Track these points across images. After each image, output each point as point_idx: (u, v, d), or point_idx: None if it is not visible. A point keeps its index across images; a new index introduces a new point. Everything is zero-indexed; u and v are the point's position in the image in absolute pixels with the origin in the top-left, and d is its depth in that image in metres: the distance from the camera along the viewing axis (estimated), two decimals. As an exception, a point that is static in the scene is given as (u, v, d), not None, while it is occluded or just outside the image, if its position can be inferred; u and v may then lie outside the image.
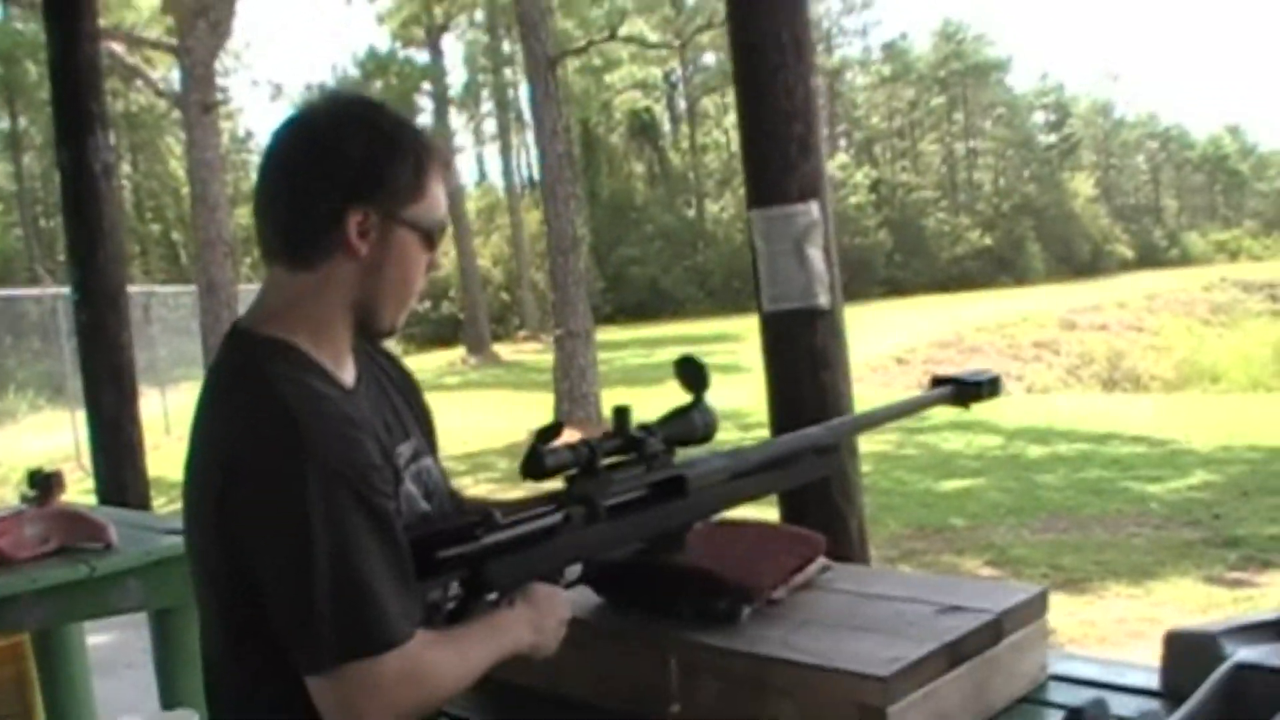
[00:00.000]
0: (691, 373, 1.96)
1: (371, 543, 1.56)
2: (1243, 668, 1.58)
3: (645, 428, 1.88)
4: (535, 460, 1.72)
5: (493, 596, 1.74)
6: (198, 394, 1.70)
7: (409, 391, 2.00)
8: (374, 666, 1.53)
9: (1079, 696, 1.71)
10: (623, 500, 1.85)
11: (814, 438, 2.24)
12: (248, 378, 1.64)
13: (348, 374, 1.77)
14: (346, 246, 1.67)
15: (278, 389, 1.59)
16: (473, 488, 11.56)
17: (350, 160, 1.67)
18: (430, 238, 1.76)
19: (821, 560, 2.12)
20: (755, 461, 2.07)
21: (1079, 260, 61.74)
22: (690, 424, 1.95)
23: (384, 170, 1.68)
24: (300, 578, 1.52)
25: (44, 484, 3.75)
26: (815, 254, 3.44)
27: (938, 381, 2.48)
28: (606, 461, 1.82)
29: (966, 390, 2.43)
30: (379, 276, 1.71)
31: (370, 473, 1.60)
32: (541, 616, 1.77)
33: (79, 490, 8.69)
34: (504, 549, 1.71)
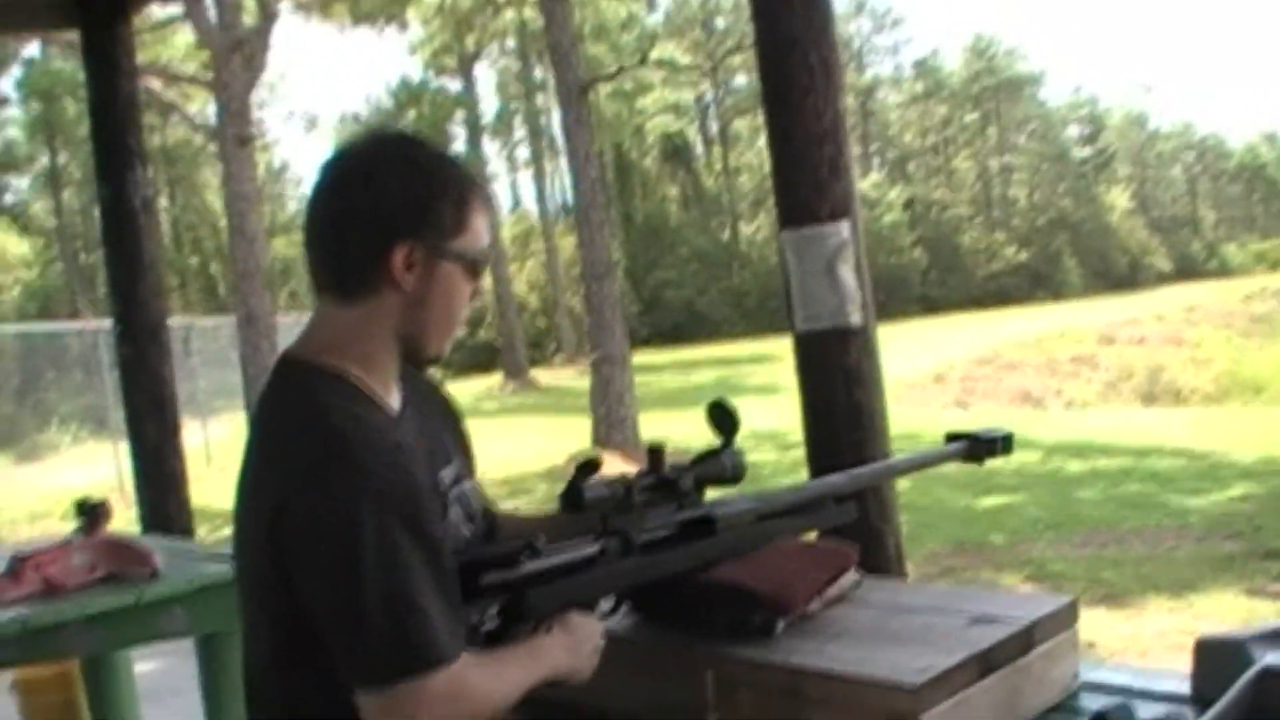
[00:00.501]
0: (722, 417, 2.04)
1: (421, 565, 1.60)
2: (1270, 673, 1.60)
3: (678, 468, 1.94)
4: (574, 495, 1.79)
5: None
6: (250, 420, 1.78)
7: (449, 416, 2.05)
8: (423, 684, 1.57)
9: (1104, 705, 1.73)
10: (655, 537, 1.91)
11: (836, 486, 2.30)
12: (301, 406, 1.69)
13: (394, 400, 1.82)
14: (392, 280, 1.72)
15: (332, 419, 1.64)
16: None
17: (393, 196, 1.72)
18: (474, 268, 1.80)
19: (854, 573, 2.15)
20: (780, 505, 2.13)
21: (1116, 274, 61.36)
22: (720, 466, 2.02)
23: (427, 205, 1.73)
24: (353, 598, 1.56)
25: (91, 513, 3.81)
26: (847, 273, 3.46)
27: (953, 438, 2.53)
28: (643, 498, 1.90)
29: (981, 446, 2.48)
30: (425, 308, 1.75)
31: (420, 498, 1.64)
32: (578, 643, 1.81)
33: (123, 520, 8.76)
34: (543, 577, 1.78)
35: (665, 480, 1.94)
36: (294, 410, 1.71)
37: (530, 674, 1.74)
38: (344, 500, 1.56)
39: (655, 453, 1.97)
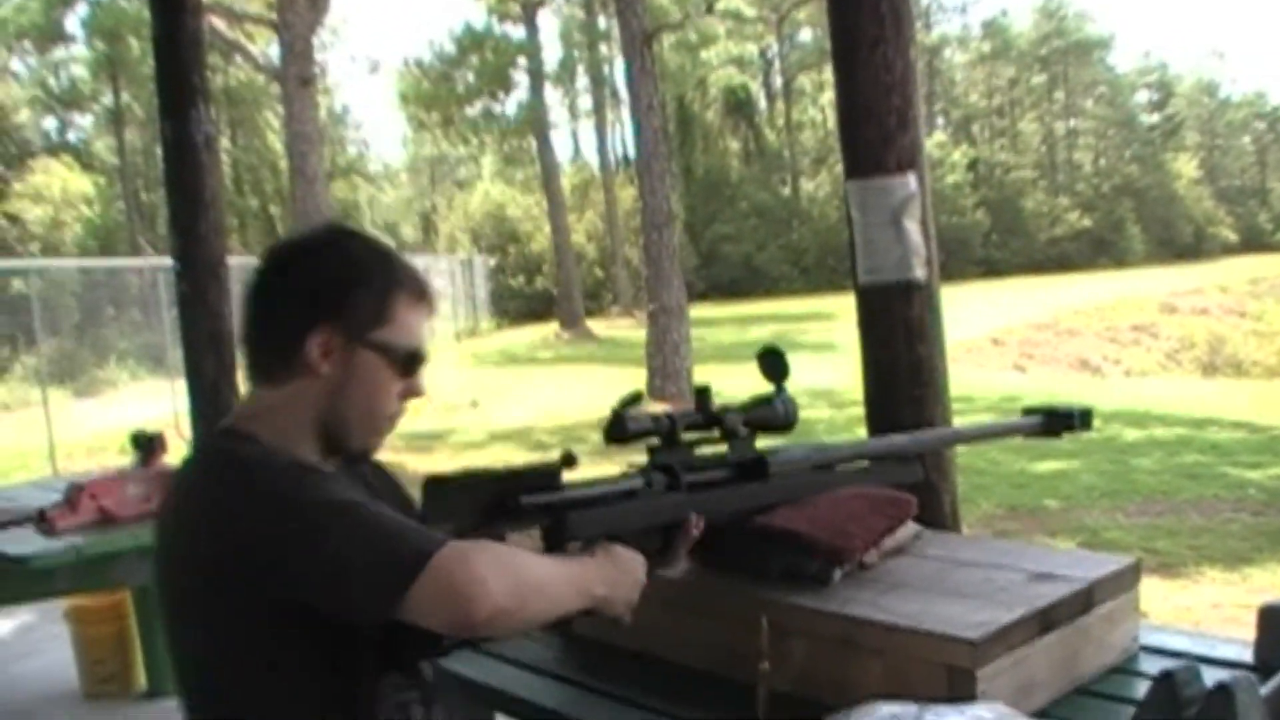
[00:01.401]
0: (773, 363, 2.02)
1: (372, 509, 1.62)
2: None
3: (725, 408, 1.92)
4: (618, 424, 1.79)
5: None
6: (172, 489, 1.78)
7: (390, 494, 1.98)
8: (440, 555, 1.54)
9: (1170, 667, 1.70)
10: (705, 478, 1.89)
11: (899, 446, 2.28)
12: (224, 464, 1.69)
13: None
14: (309, 366, 1.73)
15: (256, 461, 1.67)
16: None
17: (314, 281, 1.75)
18: (399, 363, 1.78)
19: (913, 526, 2.13)
20: (837, 457, 2.11)
21: (1180, 243, 60.69)
22: (773, 411, 2.01)
23: (347, 293, 1.74)
24: (333, 551, 1.56)
25: (147, 445, 3.84)
26: (912, 226, 3.41)
27: (1030, 411, 2.50)
28: (690, 437, 1.88)
29: (1058, 421, 2.45)
30: (343, 397, 1.75)
31: (343, 489, 1.67)
32: (617, 573, 1.78)
33: (179, 456, 8.85)
34: (586, 503, 1.77)
35: (711, 417, 1.92)
36: (217, 469, 1.71)
37: (567, 574, 1.71)
38: (278, 498, 1.59)
39: (701, 393, 1.96)
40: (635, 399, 1.83)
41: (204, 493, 1.67)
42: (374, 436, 1.81)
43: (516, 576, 1.58)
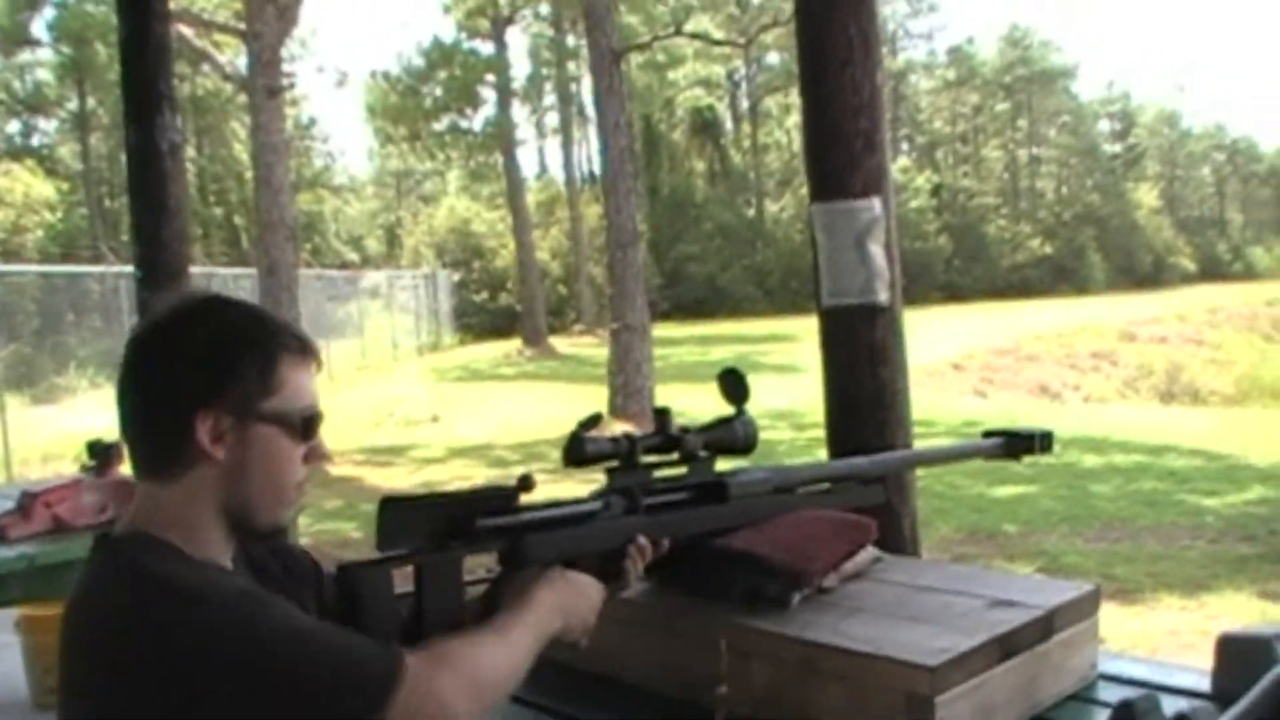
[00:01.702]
0: (733, 385, 2.01)
1: (311, 623, 1.55)
2: (1296, 671, 1.57)
3: (685, 429, 1.91)
4: (577, 446, 1.78)
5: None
6: (69, 602, 1.60)
7: (302, 578, 1.86)
8: (402, 680, 1.50)
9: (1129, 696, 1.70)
10: (663, 500, 1.89)
11: (860, 468, 2.28)
12: (120, 572, 1.55)
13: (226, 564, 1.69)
14: (202, 454, 1.60)
15: (153, 570, 1.53)
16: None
17: (190, 363, 1.61)
18: (297, 430, 1.67)
19: (873, 551, 2.13)
20: (798, 479, 2.11)
21: (1140, 271, 61.29)
22: (732, 432, 2.00)
23: (226, 368, 1.61)
24: (286, 674, 1.47)
25: (103, 454, 3.80)
26: (876, 250, 3.42)
27: (990, 434, 2.51)
28: (649, 460, 1.87)
29: (1018, 443, 2.46)
30: (244, 479, 1.63)
31: (275, 601, 1.56)
32: (571, 600, 1.76)
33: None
34: (544, 525, 1.76)
35: (671, 439, 1.92)
36: (114, 579, 1.56)
37: (524, 640, 1.67)
38: (216, 625, 1.46)
39: (661, 413, 1.96)
40: (595, 420, 1.82)
41: (136, 627, 1.48)
42: (283, 510, 1.69)
43: (478, 684, 1.56)
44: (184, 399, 1.59)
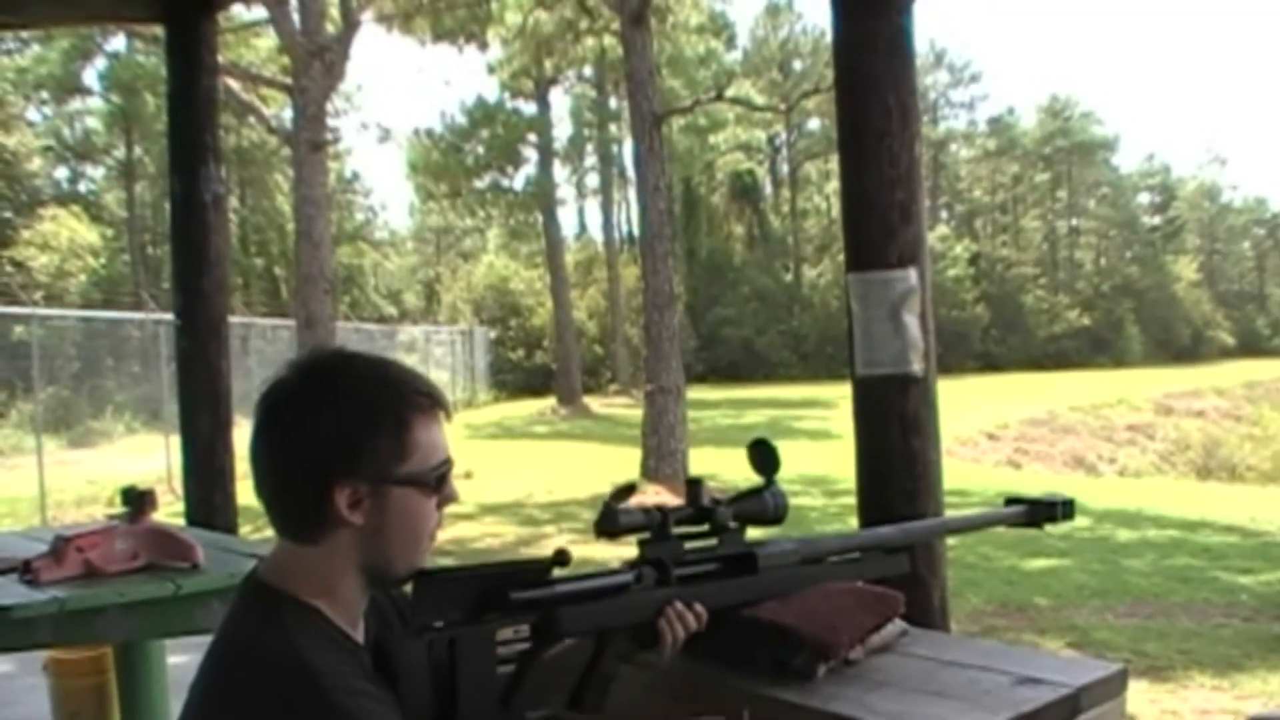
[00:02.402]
0: (763, 456, 2.01)
1: None
2: (1322, 757, 1.56)
3: (717, 501, 1.92)
4: (609, 518, 1.79)
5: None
6: (219, 636, 1.68)
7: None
8: None
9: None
10: (694, 571, 1.89)
11: (886, 537, 2.28)
12: (275, 643, 1.59)
13: (359, 632, 1.73)
14: (341, 521, 1.63)
15: (307, 662, 1.57)
16: (556, 537, 11.62)
17: (325, 435, 1.63)
18: (431, 485, 1.70)
19: (900, 624, 2.12)
20: (825, 550, 2.11)
21: (1178, 345, 61.04)
22: (762, 504, 2.00)
23: (361, 442, 1.64)
24: None
25: (137, 501, 3.81)
26: (911, 320, 3.42)
27: (1012, 501, 2.51)
28: (680, 530, 1.87)
29: (1040, 511, 2.46)
30: (383, 538, 1.66)
31: None
32: None
33: (169, 513, 8.80)
34: (577, 598, 1.77)
35: (702, 511, 1.92)
36: (267, 645, 1.60)
37: None
38: None
39: (694, 485, 1.97)
40: (627, 490, 1.82)
41: (250, 695, 1.57)
42: (419, 558, 1.72)
43: None
44: (320, 472, 1.62)
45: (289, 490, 1.66)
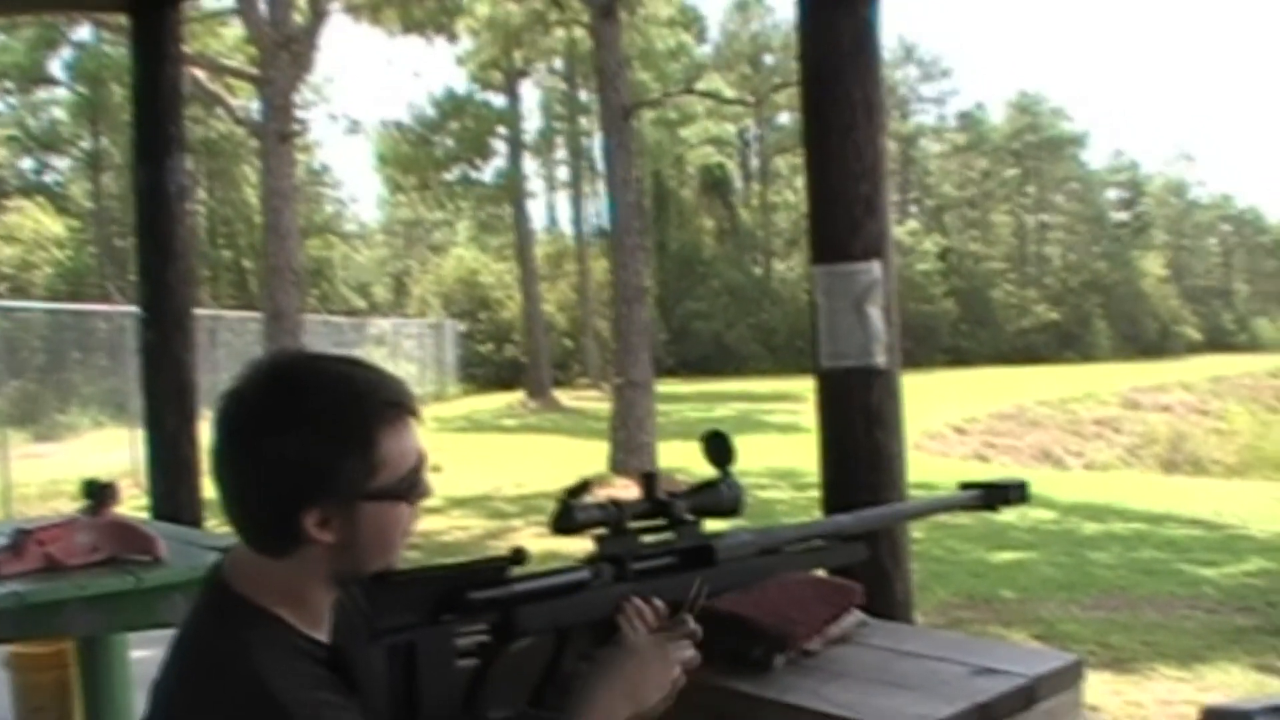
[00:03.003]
0: (718, 448, 2.01)
1: None
2: (1277, 747, 1.57)
3: (673, 494, 1.92)
4: (565, 515, 1.78)
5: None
6: (179, 636, 1.65)
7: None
8: None
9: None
10: (652, 565, 1.89)
11: (842, 525, 2.28)
12: (234, 659, 1.56)
13: (325, 631, 1.70)
14: (310, 539, 1.59)
15: (265, 681, 1.54)
16: (524, 530, 11.61)
17: (289, 466, 1.57)
18: (404, 494, 1.66)
19: (859, 615, 2.12)
20: (783, 540, 2.11)
21: (1146, 340, 61.36)
22: (718, 496, 1.99)
23: (328, 467, 1.58)
24: None
25: (99, 494, 3.79)
26: (875, 313, 3.44)
27: (966, 486, 2.52)
28: (637, 525, 1.87)
29: (995, 494, 2.47)
30: (355, 550, 1.62)
31: None
32: (632, 682, 1.78)
33: (134, 507, 8.77)
34: (535, 597, 1.76)
35: (659, 505, 1.92)
36: (225, 661, 1.57)
37: None
38: None
39: (649, 479, 1.96)
40: (583, 487, 1.81)
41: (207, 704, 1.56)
42: (393, 557, 1.68)
43: None
44: (286, 498, 1.57)
45: (253, 514, 1.62)
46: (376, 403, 1.64)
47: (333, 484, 1.58)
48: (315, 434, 1.58)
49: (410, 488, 1.66)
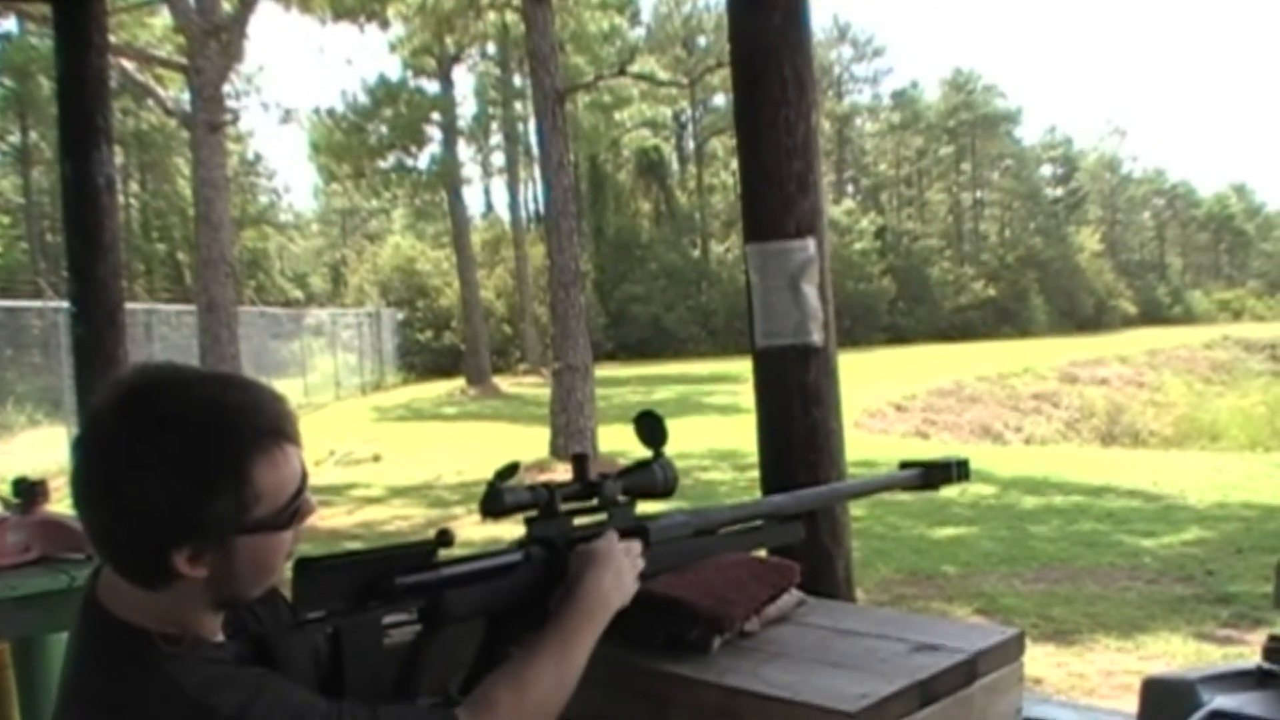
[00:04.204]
0: (650, 428, 1.98)
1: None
2: (1219, 715, 1.56)
3: (605, 475, 1.90)
4: (494, 498, 1.75)
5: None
6: (73, 674, 1.58)
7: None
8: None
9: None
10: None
11: (779, 505, 2.27)
12: (156, 685, 1.49)
13: (219, 635, 1.64)
14: (182, 576, 1.49)
15: (176, 683, 1.49)
16: (466, 518, 11.57)
17: (155, 511, 1.46)
18: (282, 523, 1.56)
19: (798, 594, 2.11)
20: (718, 521, 2.09)
21: (1082, 314, 62.00)
22: (651, 476, 1.97)
23: (197, 510, 1.47)
24: None
25: (28, 492, 3.73)
26: (810, 291, 3.41)
27: (906, 465, 2.51)
28: (568, 507, 1.85)
29: (935, 473, 2.46)
30: (232, 582, 1.54)
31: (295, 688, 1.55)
32: (617, 575, 1.81)
33: (68, 504, 8.67)
34: (463, 580, 1.73)
35: (590, 486, 1.90)
36: (151, 691, 1.49)
37: (575, 643, 1.73)
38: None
39: (580, 460, 1.94)
40: (512, 470, 1.78)
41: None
42: (273, 579, 1.61)
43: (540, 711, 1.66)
44: (153, 541, 1.48)
45: (119, 552, 1.52)
46: (249, 434, 1.53)
47: (201, 525, 1.48)
48: (179, 476, 1.46)
49: (291, 516, 1.57)
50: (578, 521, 1.91)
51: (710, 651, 1.88)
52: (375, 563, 1.68)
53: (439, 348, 40.24)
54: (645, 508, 2.00)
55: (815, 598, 2.20)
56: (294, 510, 1.57)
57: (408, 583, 1.68)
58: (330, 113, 36.46)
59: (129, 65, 19.82)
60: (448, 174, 38.13)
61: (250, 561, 1.54)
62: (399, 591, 1.67)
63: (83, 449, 1.51)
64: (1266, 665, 1.79)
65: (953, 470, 2.46)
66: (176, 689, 1.48)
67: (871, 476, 2.66)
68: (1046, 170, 73.51)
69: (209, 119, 17.35)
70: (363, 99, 37.13)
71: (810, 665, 1.82)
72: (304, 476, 1.59)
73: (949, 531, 10.46)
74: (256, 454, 1.52)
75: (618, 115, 42.86)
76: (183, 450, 1.47)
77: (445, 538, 1.70)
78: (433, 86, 38.28)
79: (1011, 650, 1.95)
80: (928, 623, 2.10)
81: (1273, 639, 1.81)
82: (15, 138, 40.09)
